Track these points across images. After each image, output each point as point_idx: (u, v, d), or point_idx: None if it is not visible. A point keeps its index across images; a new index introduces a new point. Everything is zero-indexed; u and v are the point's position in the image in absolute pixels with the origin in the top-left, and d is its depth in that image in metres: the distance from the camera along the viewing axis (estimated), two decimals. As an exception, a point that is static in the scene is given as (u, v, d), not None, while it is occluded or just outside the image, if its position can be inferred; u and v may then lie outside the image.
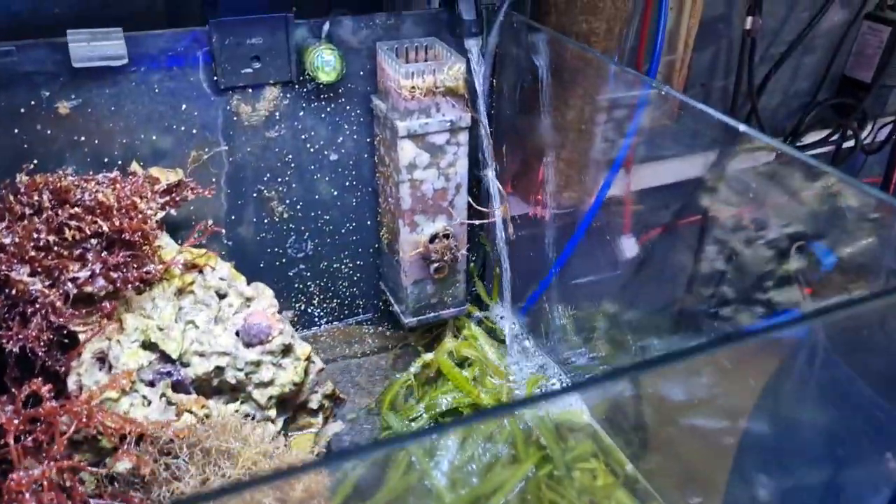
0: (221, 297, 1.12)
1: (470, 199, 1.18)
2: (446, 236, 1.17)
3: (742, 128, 0.94)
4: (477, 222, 1.20)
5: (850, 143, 1.88)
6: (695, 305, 1.15)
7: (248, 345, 1.08)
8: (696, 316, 1.15)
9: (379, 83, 1.15)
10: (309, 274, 1.31)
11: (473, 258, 1.39)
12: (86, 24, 0.99)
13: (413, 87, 1.04)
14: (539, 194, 1.31)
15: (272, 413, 1.09)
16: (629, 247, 1.28)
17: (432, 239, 1.17)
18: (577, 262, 1.30)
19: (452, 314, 1.28)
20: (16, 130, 1.01)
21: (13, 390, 0.96)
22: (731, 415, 0.93)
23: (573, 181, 1.28)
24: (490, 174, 1.18)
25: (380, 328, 1.41)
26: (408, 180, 1.12)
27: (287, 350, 1.10)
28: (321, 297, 1.34)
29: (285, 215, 1.23)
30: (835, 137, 1.88)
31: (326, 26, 1.09)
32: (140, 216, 0.99)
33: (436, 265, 1.18)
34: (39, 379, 0.92)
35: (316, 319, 1.37)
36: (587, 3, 1.24)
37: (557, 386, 1.25)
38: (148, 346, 1.01)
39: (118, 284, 0.99)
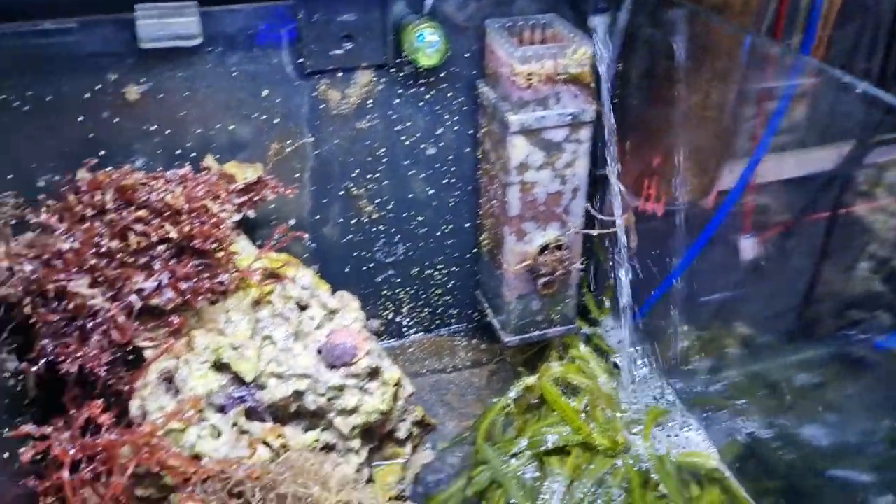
0: (302, 308, 0.99)
1: (588, 205, 1.01)
2: (559, 247, 1.01)
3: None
4: (595, 232, 1.03)
5: None
6: (838, 318, 0.97)
7: (330, 366, 0.95)
8: (841, 336, 0.97)
9: (487, 67, 0.99)
10: (399, 280, 1.17)
11: (583, 267, 1.22)
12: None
13: (530, 74, 0.88)
14: (661, 192, 1.13)
15: (355, 444, 0.96)
16: (760, 251, 1.10)
17: (542, 250, 1.01)
18: (703, 269, 1.12)
19: (560, 333, 1.12)
20: (80, 118, 0.90)
21: (72, 412, 0.86)
22: None
23: (706, 177, 1.10)
24: (613, 176, 1.00)
25: (473, 340, 1.26)
26: (518, 182, 0.96)
27: (374, 373, 0.96)
28: (411, 305, 1.20)
29: (375, 215, 1.09)
30: None
31: (429, 0, 0.94)
32: (213, 220, 0.86)
33: (545, 280, 1.02)
34: (100, 401, 0.82)
35: (404, 330, 1.23)
36: (723, -26, 1.05)
37: (679, 423, 1.08)
38: (220, 366, 0.89)
39: (188, 297, 0.87)
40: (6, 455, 0.80)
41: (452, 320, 1.25)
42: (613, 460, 1.00)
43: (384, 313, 1.20)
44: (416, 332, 1.24)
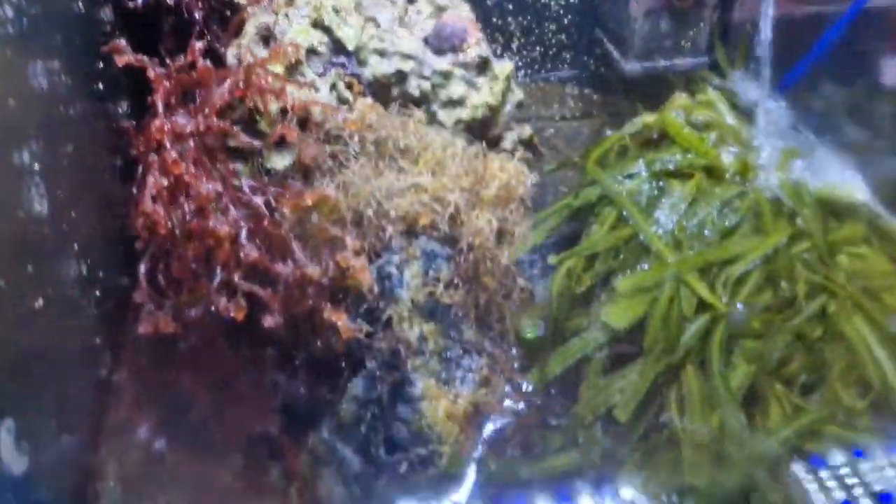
0: (410, 2, 0.92)
1: None
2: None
3: None
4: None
5: None
6: None
7: (438, 51, 0.87)
8: None
9: None
10: (511, 7, 1.07)
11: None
12: None
13: None
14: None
15: (459, 141, 0.89)
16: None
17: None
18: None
19: (688, 66, 1.01)
20: None
21: (167, 62, 0.82)
22: None
23: None
24: None
25: (585, 90, 1.16)
26: None
27: (484, 65, 0.88)
28: (522, 40, 1.11)
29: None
30: None
31: None
32: None
33: (681, -15, 0.90)
34: (200, 44, 0.76)
35: (512, 70, 1.14)
36: None
37: (822, 163, 0.96)
38: (321, 26, 0.83)
39: (291, -56, 0.80)
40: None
41: (565, 64, 1.15)
42: (742, 186, 0.90)
43: (492, 46, 1.11)
44: (524, 76, 1.15)
